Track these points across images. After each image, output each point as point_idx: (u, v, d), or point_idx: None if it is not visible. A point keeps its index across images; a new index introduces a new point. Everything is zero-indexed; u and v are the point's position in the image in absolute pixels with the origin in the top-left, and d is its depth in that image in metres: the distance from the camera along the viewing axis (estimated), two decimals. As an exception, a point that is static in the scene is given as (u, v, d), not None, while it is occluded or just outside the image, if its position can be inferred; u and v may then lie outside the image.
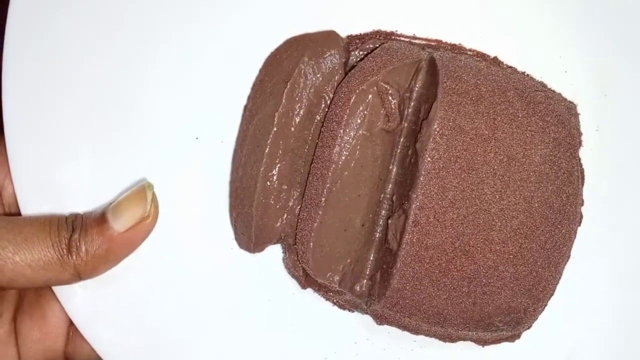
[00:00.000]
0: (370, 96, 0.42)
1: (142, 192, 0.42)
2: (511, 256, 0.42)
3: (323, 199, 0.43)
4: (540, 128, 0.42)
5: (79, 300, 0.44)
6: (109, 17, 0.44)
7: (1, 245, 0.39)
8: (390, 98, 0.42)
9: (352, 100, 0.42)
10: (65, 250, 0.40)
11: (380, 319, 0.45)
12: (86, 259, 0.40)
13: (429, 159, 0.41)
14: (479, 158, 0.42)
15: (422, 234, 0.41)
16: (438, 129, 0.41)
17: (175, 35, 0.45)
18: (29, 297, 0.46)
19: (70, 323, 0.46)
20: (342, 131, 0.42)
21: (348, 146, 0.43)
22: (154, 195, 0.43)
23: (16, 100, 0.43)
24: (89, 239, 0.41)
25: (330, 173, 0.43)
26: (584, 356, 0.48)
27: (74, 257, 0.40)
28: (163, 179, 0.45)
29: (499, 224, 0.42)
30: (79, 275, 0.41)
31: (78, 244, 0.40)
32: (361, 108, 0.42)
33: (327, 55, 0.44)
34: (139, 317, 0.45)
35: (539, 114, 0.43)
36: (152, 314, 0.45)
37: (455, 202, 0.41)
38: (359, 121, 0.43)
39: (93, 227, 0.41)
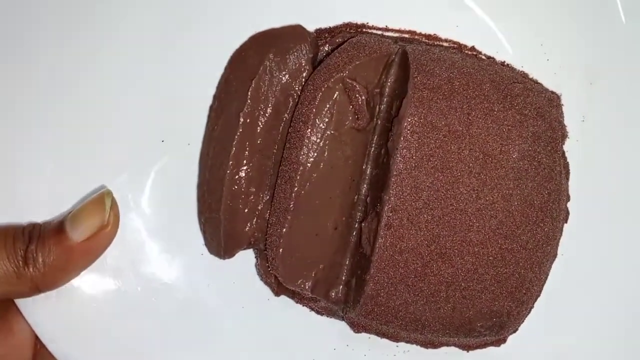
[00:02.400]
0: (336, 94, 0.40)
1: (101, 200, 0.40)
2: (491, 258, 0.40)
3: (292, 202, 0.41)
4: (518, 122, 0.40)
5: (42, 313, 0.42)
6: (69, 21, 0.43)
7: None
8: (357, 95, 0.40)
9: (318, 99, 0.40)
10: (21, 262, 0.39)
11: (357, 327, 0.43)
12: (44, 270, 0.39)
13: (400, 159, 0.39)
14: (453, 156, 0.39)
15: (395, 237, 0.39)
16: (409, 127, 0.39)
17: (139, 36, 0.43)
18: None
19: (37, 337, 0.45)
20: (309, 131, 0.40)
21: (316, 147, 0.41)
22: (113, 202, 0.41)
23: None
24: (46, 250, 0.39)
25: (298, 176, 0.41)
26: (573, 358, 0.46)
27: (31, 268, 0.39)
28: (129, 185, 0.44)
29: (477, 224, 0.40)
30: (37, 288, 0.40)
31: (35, 255, 0.39)
32: (328, 106, 0.40)
33: (293, 51, 0.42)
34: (105, 328, 0.44)
35: (517, 108, 0.40)
36: (119, 325, 0.44)
37: (430, 203, 0.39)
38: (326, 120, 0.40)
39: (50, 238, 0.39)
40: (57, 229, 0.40)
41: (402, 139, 0.39)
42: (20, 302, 0.42)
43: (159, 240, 0.45)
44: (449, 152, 0.39)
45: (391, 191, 0.39)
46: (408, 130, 0.39)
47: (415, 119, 0.39)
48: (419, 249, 0.40)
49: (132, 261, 0.44)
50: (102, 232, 0.40)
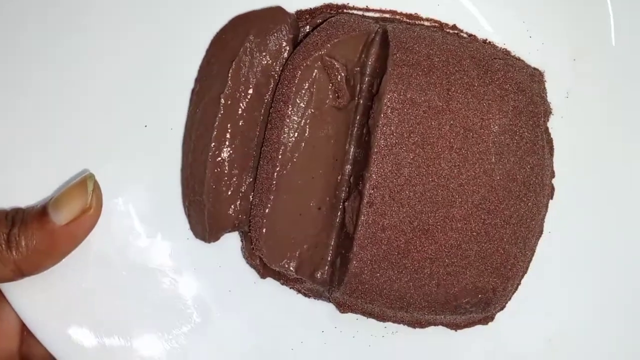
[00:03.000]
0: (315, 72, 0.40)
1: (83, 183, 0.41)
2: (474, 233, 0.40)
3: (274, 183, 0.41)
4: (498, 97, 0.40)
5: (28, 299, 0.42)
6: (52, 12, 0.43)
7: None
8: (336, 73, 0.40)
9: (297, 78, 0.40)
10: (4, 246, 0.39)
11: (343, 307, 0.43)
12: (26, 254, 0.39)
13: (380, 135, 0.39)
14: (433, 131, 0.39)
15: (377, 214, 0.39)
16: (388, 103, 0.39)
17: (120, 20, 0.43)
18: None
19: (24, 325, 0.44)
20: (289, 111, 0.40)
21: (297, 126, 0.41)
22: (96, 186, 0.41)
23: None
24: (29, 234, 0.39)
25: (279, 155, 0.41)
26: (566, 338, 0.46)
27: (14, 252, 0.39)
28: (113, 170, 0.44)
29: (459, 199, 0.40)
30: (20, 272, 0.40)
31: (17, 238, 0.39)
32: (307, 85, 0.40)
33: (273, 32, 0.42)
34: (91, 313, 0.44)
35: (497, 82, 0.40)
36: (106, 310, 0.44)
37: (411, 179, 0.39)
38: (306, 99, 0.41)
39: (33, 222, 0.40)
40: (39, 213, 0.40)
41: (382, 115, 0.39)
42: (6, 289, 0.42)
43: (144, 225, 0.45)
44: (430, 127, 0.39)
45: (372, 168, 0.39)
46: (388, 107, 0.39)
47: (395, 95, 0.39)
48: (402, 226, 0.40)
49: (118, 246, 0.44)
50: (84, 215, 0.40)
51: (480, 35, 0.45)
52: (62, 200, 0.40)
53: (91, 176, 0.41)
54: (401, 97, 0.39)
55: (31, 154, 0.43)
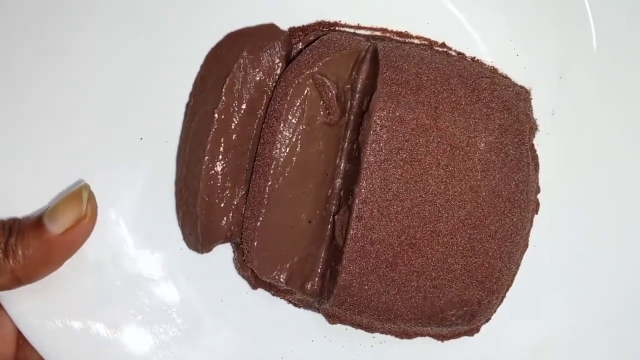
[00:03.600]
0: (307, 89, 0.41)
1: (78, 193, 0.42)
2: (460, 248, 0.41)
3: (265, 196, 0.42)
4: (485, 115, 0.41)
5: (25, 308, 0.43)
6: (48, 20, 0.43)
7: None
8: (327, 90, 0.41)
9: (289, 95, 0.41)
10: (1, 254, 0.40)
11: (332, 318, 0.44)
12: (23, 262, 0.40)
13: (369, 152, 0.40)
14: (421, 149, 0.40)
15: (366, 228, 0.40)
16: (378, 121, 0.40)
17: (118, 36, 0.44)
18: None
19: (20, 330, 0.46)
20: (281, 127, 0.41)
21: (288, 142, 0.42)
22: (90, 195, 0.42)
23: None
24: (26, 243, 0.40)
25: (271, 170, 0.42)
26: (550, 350, 0.47)
27: (11, 261, 0.40)
28: (108, 181, 0.45)
29: (446, 215, 0.41)
30: (18, 280, 0.41)
31: (14, 247, 0.40)
32: (299, 102, 0.41)
33: (267, 48, 0.43)
34: (86, 322, 0.44)
35: (483, 101, 0.42)
36: (99, 319, 0.45)
37: (399, 195, 0.40)
38: (297, 115, 0.42)
39: (29, 231, 0.41)
40: (35, 222, 0.41)
41: (371, 132, 0.40)
42: (3, 296, 0.43)
43: (138, 236, 0.46)
44: (417, 145, 0.40)
45: (361, 183, 0.40)
46: (377, 124, 0.40)
47: (384, 113, 0.40)
48: (390, 240, 0.41)
49: (112, 256, 0.45)
50: (79, 224, 0.41)
51: (469, 53, 0.46)
52: (58, 210, 0.41)
53: (86, 186, 0.42)
54: (390, 114, 0.40)
55: (28, 163, 0.44)
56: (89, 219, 0.41)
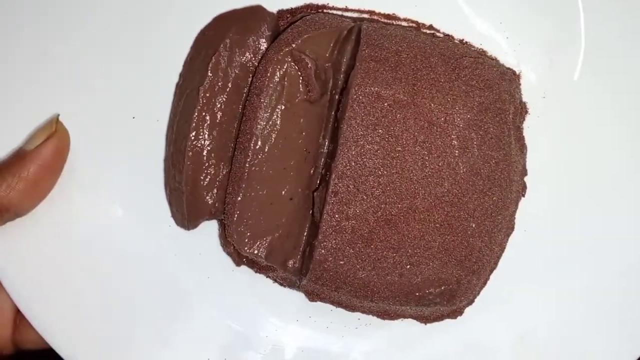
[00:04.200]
0: (286, 65, 0.42)
1: (49, 120, 0.44)
2: (437, 225, 0.41)
3: (245, 172, 0.43)
4: (464, 92, 0.41)
5: (24, 287, 0.45)
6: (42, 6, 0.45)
7: None
8: (306, 67, 0.42)
9: (269, 72, 0.42)
10: None
11: (311, 295, 0.44)
12: (7, 190, 0.42)
13: (346, 127, 0.41)
14: (398, 125, 0.41)
15: (342, 203, 0.41)
16: (354, 97, 0.41)
17: (112, 20, 0.46)
18: None
19: (17, 312, 0.47)
20: (261, 103, 0.42)
21: (269, 118, 0.42)
22: (59, 120, 0.44)
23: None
24: (7, 172, 0.42)
25: (251, 145, 0.42)
26: (536, 335, 0.46)
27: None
28: (101, 159, 0.46)
29: (423, 191, 0.41)
30: (5, 209, 0.42)
31: None
32: (278, 79, 0.42)
33: (253, 29, 0.44)
34: (78, 299, 0.46)
35: (463, 79, 0.41)
36: (90, 296, 0.46)
37: (376, 171, 0.40)
38: (277, 92, 0.42)
39: (9, 161, 0.43)
40: (14, 153, 0.44)
41: (348, 108, 0.41)
42: (3, 276, 0.45)
43: (128, 213, 0.47)
44: (394, 121, 0.41)
45: (338, 159, 0.41)
46: (354, 100, 0.41)
47: (361, 89, 0.41)
48: (365, 215, 0.41)
49: (102, 234, 0.46)
50: (51, 139, 0.43)
51: (457, 36, 0.46)
52: (33, 133, 0.44)
53: (55, 115, 0.45)
54: (367, 90, 0.41)
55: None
56: (58, 134, 0.44)
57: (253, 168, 0.43)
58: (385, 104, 0.40)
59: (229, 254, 0.46)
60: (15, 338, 0.48)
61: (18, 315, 0.47)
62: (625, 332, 0.45)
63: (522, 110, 0.45)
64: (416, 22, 0.46)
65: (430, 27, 0.46)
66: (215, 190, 0.45)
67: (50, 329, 0.46)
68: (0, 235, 0.44)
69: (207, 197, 0.45)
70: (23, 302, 0.45)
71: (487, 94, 0.41)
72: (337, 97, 0.43)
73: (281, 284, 0.47)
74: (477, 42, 0.46)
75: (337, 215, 0.41)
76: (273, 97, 0.42)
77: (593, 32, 0.45)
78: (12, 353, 0.48)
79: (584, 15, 0.45)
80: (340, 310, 0.46)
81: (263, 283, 0.47)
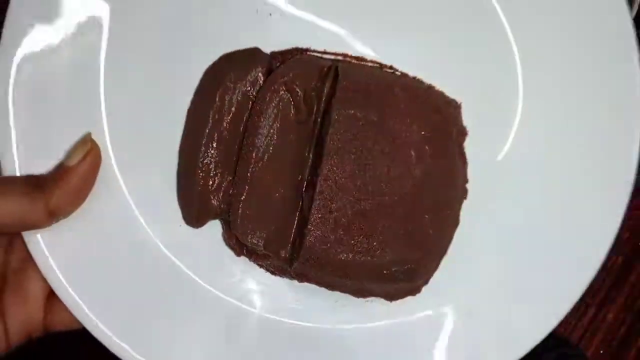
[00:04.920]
0: (281, 93, 0.53)
1: (83, 138, 0.53)
2: (401, 217, 0.52)
3: (248, 176, 0.53)
4: (419, 115, 0.53)
5: (57, 272, 0.53)
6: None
7: None
8: (296, 95, 0.54)
9: (267, 98, 0.53)
10: (33, 187, 0.49)
11: (300, 277, 0.55)
12: (54, 196, 0.50)
13: (330, 141, 0.52)
14: (369, 139, 0.52)
15: (326, 200, 0.52)
16: (336, 117, 0.52)
17: (148, 59, 0.56)
18: (11, 279, 0.54)
19: (48, 297, 0.54)
20: (261, 123, 0.53)
21: (267, 134, 0.53)
22: (92, 139, 0.53)
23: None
24: (53, 179, 0.51)
25: (254, 155, 0.53)
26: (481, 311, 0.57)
27: (43, 194, 0.50)
28: (126, 169, 0.55)
29: (389, 191, 0.52)
30: (52, 213, 0.50)
31: (43, 182, 0.50)
32: (274, 104, 0.53)
33: (252, 66, 0.55)
34: (110, 282, 0.55)
35: (419, 105, 0.54)
36: (114, 280, 0.55)
37: (353, 174, 0.52)
38: (274, 114, 0.54)
39: (54, 173, 0.51)
40: (56, 167, 0.52)
41: (331, 126, 0.52)
42: (37, 253, 0.53)
43: (147, 214, 0.56)
44: (367, 136, 0.52)
45: (323, 165, 0.52)
46: (336, 120, 0.52)
47: (341, 111, 0.52)
48: (345, 210, 0.52)
49: (125, 232, 0.55)
50: (89, 154, 0.52)
51: (411, 74, 0.58)
52: (71, 150, 0.53)
53: (88, 134, 0.53)
54: (345, 113, 0.52)
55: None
56: (93, 151, 0.52)
57: (254, 174, 0.53)
58: (360, 123, 0.52)
59: (230, 246, 0.56)
60: (46, 322, 0.54)
61: (48, 302, 0.54)
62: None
63: (463, 131, 0.57)
64: (379, 63, 0.58)
65: (391, 67, 0.58)
66: (220, 195, 0.55)
67: (83, 310, 0.54)
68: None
69: (214, 200, 0.55)
70: (58, 286, 0.53)
71: (436, 117, 0.54)
72: (319, 119, 0.55)
73: (272, 272, 0.57)
74: (427, 80, 0.59)
75: (322, 210, 0.52)
76: (270, 118, 0.54)
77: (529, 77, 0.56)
78: (41, 335, 0.55)
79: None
80: (321, 295, 0.57)
81: (257, 271, 0.57)
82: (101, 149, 0.54)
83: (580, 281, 0.56)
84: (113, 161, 0.55)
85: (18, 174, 0.52)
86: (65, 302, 0.53)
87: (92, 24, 0.54)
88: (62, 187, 0.51)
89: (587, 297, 0.79)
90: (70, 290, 0.53)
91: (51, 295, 0.54)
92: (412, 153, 0.53)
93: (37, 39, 0.53)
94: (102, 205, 0.54)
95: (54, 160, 0.53)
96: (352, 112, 0.52)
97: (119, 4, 0.54)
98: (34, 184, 0.50)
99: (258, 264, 0.56)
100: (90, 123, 0.54)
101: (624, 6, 0.53)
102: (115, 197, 0.55)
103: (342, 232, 0.52)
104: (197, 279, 0.56)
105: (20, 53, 0.52)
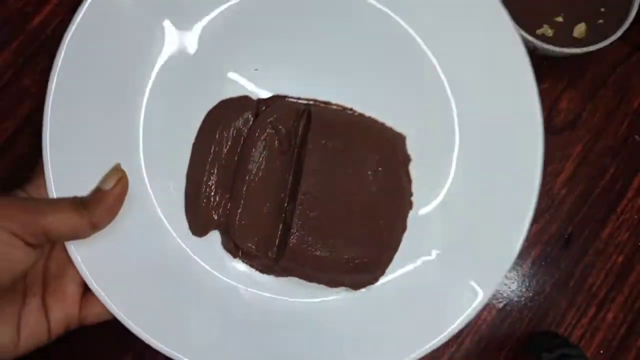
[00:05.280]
0: (268, 130, 0.69)
1: (115, 167, 0.64)
2: (365, 222, 0.67)
3: (243, 194, 0.68)
4: (374, 144, 0.69)
5: (92, 271, 0.64)
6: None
7: (40, 209, 0.57)
8: (279, 131, 0.69)
9: (257, 134, 0.69)
10: (80, 206, 0.60)
11: (285, 272, 0.69)
12: (95, 213, 0.60)
13: (307, 165, 0.67)
14: (337, 163, 0.67)
15: (305, 210, 0.66)
16: (311, 147, 0.67)
17: (160, 110, 0.69)
18: (52, 282, 0.61)
19: (82, 295, 0.62)
20: (253, 152, 0.69)
21: (257, 161, 0.69)
22: (122, 168, 0.64)
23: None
24: (92, 198, 0.62)
25: (247, 177, 0.68)
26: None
27: (87, 211, 0.60)
28: (152, 192, 0.69)
29: (352, 202, 0.67)
30: (94, 226, 0.60)
31: (87, 202, 0.61)
32: (263, 138, 0.69)
33: (244, 109, 0.71)
34: (134, 281, 0.65)
35: (374, 137, 0.70)
36: (143, 278, 0.66)
37: (325, 189, 0.67)
38: (262, 146, 0.69)
39: (92, 194, 0.62)
40: (94, 190, 0.62)
41: (308, 153, 0.67)
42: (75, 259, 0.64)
43: (166, 226, 0.68)
44: (335, 160, 0.67)
45: (303, 182, 0.67)
46: (311, 149, 0.67)
47: (316, 143, 0.67)
48: (320, 217, 0.67)
49: (150, 240, 0.67)
50: (120, 181, 0.63)
51: (368, 114, 0.74)
52: (106, 176, 0.63)
53: (118, 164, 0.64)
54: (318, 144, 0.68)
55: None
56: (123, 179, 0.63)
57: (247, 192, 0.68)
58: (330, 150, 0.68)
59: (229, 250, 0.70)
60: (81, 315, 0.61)
61: (83, 297, 0.61)
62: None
63: (408, 158, 0.73)
64: (342, 106, 0.74)
65: (351, 109, 0.74)
66: (220, 210, 0.69)
67: (114, 303, 0.63)
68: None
69: (214, 215, 0.69)
70: (93, 281, 0.62)
71: (387, 146, 0.69)
72: (297, 150, 0.71)
73: (261, 271, 0.71)
74: (379, 118, 0.75)
75: (302, 217, 0.66)
76: (259, 149, 0.69)
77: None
78: (77, 327, 0.62)
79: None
80: (301, 290, 0.70)
81: (249, 270, 0.71)
82: (138, 175, 0.68)
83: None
84: (147, 182, 0.69)
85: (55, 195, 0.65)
86: (99, 298, 0.65)
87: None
88: (101, 205, 0.62)
89: (587, 297, 0.79)
90: (101, 290, 0.66)
91: (85, 294, 0.62)
92: (369, 173, 0.68)
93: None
94: (128, 220, 0.67)
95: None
96: (324, 142, 0.68)
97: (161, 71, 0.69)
98: (79, 203, 0.62)
99: (250, 264, 0.71)
100: (129, 156, 0.68)
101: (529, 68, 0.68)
102: (144, 212, 0.68)
103: (318, 235, 0.67)
104: (206, 266, 0.69)
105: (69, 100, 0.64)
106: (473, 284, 0.67)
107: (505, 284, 0.81)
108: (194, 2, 0.70)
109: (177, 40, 0.70)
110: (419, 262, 0.70)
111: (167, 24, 0.70)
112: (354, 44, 0.70)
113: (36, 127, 0.75)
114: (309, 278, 0.69)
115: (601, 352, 0.79)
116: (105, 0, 0.65)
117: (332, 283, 0.70)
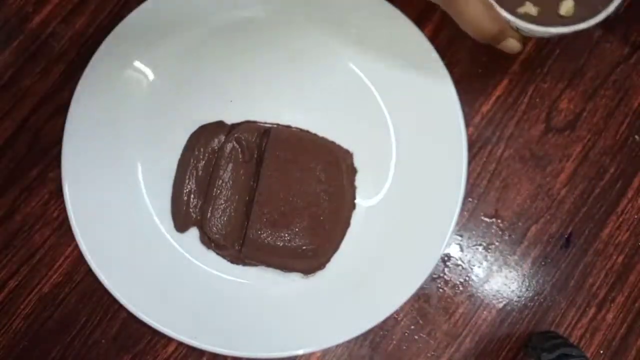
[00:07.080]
0: (234, 144, 0.86)
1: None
2: (311, 217, 0.82)
3: (214, 196, 0.85)
4: (321, 155, 0.84)
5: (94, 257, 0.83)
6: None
7: None
8: (243, 146, 0.86)
9: (226, 147, 0.86)
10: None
11: (247, 259, 0.84)
12: None
13: (264, 171, 0.83)
14: (289, 170, 0.83)
15: (262, 207, 0.82)
16: (268, 157, 0.84)
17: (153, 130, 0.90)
18: None
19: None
20: (221, 163, 0.86)
21: (224, 170, 0.85)
22: None
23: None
24: None
25: (217, 182, 0.85)
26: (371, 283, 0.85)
27: None
28: (148, 199, 0.87)
29: (300, 201, 0.83)
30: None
31: None
32: (229, 151, 0.86)
33: (218, 131, 0.88)
34: (128, 263, 0.82)
35: (322, 151, 0.85)
36: (135, 260, 0.83)
37: (279, 190, 0.82)
38: (229, 158, 0.86)
39: None
40: None
41: (264, 163, 0.84)
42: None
43: (158, 224, 0.86)
44: (287, 168, 0.83)
45: (260, 185, 0.83)
46: (267, 159, 0.84)
47: (272, 155, 0.83)
48: (273, 213, 0.82)
49: (143, 234, 0.84)
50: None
51: (321, 135, 0.91)
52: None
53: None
54: (274, 155, 0.84)
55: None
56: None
57: (218, 194, 0.85)
58: (283, 160, 0.83)
59: (204, 242, 0.86)
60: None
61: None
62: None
63: (354, 169, 0.88)
64: (300, 128, 0.90)
65: (307, 130, 0.90)
66: (197, 210, 0.86)
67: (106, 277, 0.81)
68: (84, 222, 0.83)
69: (192, 214, 0.86)
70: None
71: (331, 157, 0.84)
72: (257, 160, 0.87)
73: (230, 261, 0.86)
74: (331, 138, 0.91)
75: (258, 213, 0.82)
76: (227, 160, 0.85)
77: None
78: None
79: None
80: (271, 280, 0.85)
81: (222, 261, 0.86)
82: (136, 185, 0.86)
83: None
84: (144, 191, 0.85)
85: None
86: (96, 274, 0.82)
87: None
88: None
89: (587, 297, 0.79)
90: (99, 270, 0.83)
91: None
92: (315, 178, 0.84)
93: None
94: (128, 220, 0.84)
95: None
96: (277, 153, 0.85)
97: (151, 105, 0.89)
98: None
99: (221, 255, 0.86)
100: (129, 172, 0.87)
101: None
102: (140, 213, 0.85)
103: (271, 227, 0.82)
104: (187, 255, 0.84)
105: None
106: (410, 265, 0.79)
107: (505, 284, 0.80)
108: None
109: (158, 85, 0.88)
110: (362, 250, 0.82)
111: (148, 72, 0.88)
112: (313, 81, 0.84)
113: (35, 127, 0.80)
114: (267, 264, 0.84)
115: (601, 352, 0.77)
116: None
117: (286, 268, 0.84)
